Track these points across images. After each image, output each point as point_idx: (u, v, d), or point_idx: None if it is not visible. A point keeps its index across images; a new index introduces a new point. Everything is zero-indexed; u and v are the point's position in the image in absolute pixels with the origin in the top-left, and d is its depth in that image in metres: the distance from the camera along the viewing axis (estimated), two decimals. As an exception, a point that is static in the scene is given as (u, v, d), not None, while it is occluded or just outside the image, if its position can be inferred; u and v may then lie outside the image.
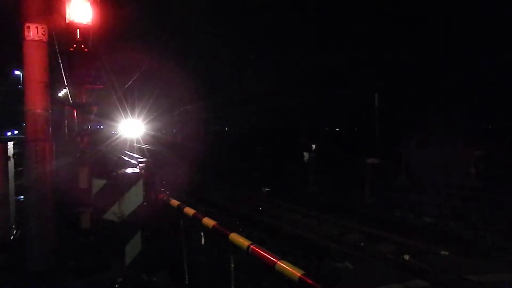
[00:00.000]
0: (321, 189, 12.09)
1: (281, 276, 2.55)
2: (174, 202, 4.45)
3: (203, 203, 10.65)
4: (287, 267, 2.49)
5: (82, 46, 4.69)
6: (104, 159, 6.15)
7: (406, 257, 5.85)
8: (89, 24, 4.69)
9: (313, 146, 13.49)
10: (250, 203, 10.81)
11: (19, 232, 4.97)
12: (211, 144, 23.63)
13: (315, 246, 6.92)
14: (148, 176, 4.96)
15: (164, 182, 10.88)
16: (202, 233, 4.25)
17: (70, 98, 4.92)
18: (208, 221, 3.69)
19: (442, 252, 5.72)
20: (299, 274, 2.36)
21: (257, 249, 2.83)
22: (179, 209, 4.28)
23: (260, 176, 14.69)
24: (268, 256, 2.69)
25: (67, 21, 4.63)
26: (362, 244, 7.02)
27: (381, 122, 14.73)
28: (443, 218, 8.50)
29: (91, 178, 4.50)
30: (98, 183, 4.54)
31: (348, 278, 5.45)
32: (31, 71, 4.43)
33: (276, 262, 2.60)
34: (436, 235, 7.20)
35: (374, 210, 9.54)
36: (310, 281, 2.25)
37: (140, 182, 4.76)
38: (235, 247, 3.14)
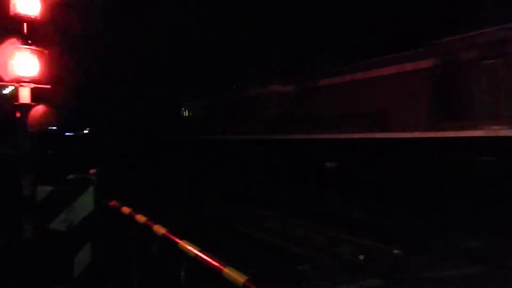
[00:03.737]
0: (285, 192, 12.21)
1: (229, 282, 2.53)
2: (126, 209, 4.31)
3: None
4: (232, 273, 2.47)
5: (29, 41, 4.42)
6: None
7: (361, 257, 6.00)
8: (38, 17, 4.42)
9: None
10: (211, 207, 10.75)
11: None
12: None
13: (276, 249, 6.97)
14: (100, 182, 4.79)
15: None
16: (154, 241, 4.14)
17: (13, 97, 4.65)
18: (159, 229, 3.60)
19: (395, 251, 5.91)
20: (243, 280, 2.35)
21: (204, 256, 2.79)
22: (130, 216, 4.15)
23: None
24: (214, 262, 2.66)
25: (12, 13, 4.33)
26: (322, 246, 7.12)
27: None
28: (398, 218, 8.79)
29: (35, 185, 4.27)
30: (44, 190, 4.32)
31: (307, 280, 5.51)
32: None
33: (222, 269, 2.57)
34: (391, 235, 7.43)
35: (336, 212, 9.73)
36: (253, 287, 2.25)
37: (91, 189, 4.58)
38: (185, 254, 3.09)
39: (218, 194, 12.51)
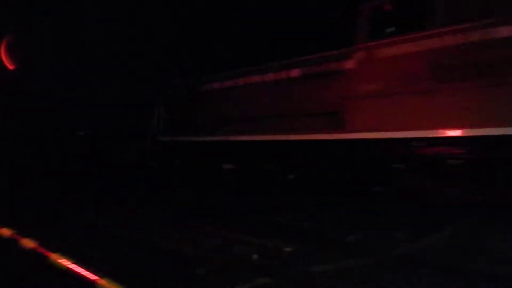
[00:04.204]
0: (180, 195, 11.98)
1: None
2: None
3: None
4: (107, 285, 2.32)
5: None
6: None
7: (255, 257, 6.15)
8: None
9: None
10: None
11: None
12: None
13: (169, 253, 6.77)
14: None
15: None
16: (22, 257, 3.66)
17: None
18: (28, 243, 3.22)
19: (286, 249, 6.19)
20: (118, 291, 2.22)
21: (77, 269, 2.56)
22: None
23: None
24: (88, 275, 2.47)
25: None
26: (218, 248, 7.14)
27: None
28: (294, 216, 9.29)
29: None
30: None
31: (199, 284, 5.46)
32: None
33: (97, 281, 2.40)
34: (286, 233, 7.79)
35: (233, 214, 9.86)
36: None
37: None
38: (57, 268, 2.80)
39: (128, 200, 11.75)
